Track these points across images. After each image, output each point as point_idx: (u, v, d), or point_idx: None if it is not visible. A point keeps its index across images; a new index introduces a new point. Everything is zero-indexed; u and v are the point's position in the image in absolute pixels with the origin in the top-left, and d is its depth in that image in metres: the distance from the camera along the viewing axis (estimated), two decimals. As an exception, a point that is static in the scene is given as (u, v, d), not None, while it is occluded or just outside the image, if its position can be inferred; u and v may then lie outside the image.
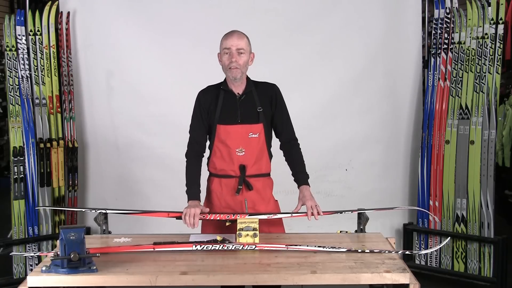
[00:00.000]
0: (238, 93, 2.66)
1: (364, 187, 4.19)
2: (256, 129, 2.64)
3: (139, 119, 4.13)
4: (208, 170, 2.75)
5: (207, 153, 2.75)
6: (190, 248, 2.36)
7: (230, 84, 2.66)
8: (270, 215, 2.59)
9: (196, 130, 2.70)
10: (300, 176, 2.70)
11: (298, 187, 2.69)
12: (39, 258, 3.80)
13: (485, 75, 3.69)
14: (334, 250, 2.36)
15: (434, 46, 3.89)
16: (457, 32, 3.78)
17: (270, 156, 2.74)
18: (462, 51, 3.76)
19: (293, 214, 2.63)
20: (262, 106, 2.66)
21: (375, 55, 4.11)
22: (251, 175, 2.66)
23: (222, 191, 2.69)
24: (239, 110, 2.64)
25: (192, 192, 2.61)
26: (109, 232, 2.65)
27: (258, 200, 2.68)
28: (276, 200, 2.79)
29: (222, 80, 2.70)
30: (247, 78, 2.69)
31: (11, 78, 3.79)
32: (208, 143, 2.74)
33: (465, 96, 3.76)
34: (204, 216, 2.55)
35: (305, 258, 2.27)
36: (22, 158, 3.80)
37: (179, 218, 2.55)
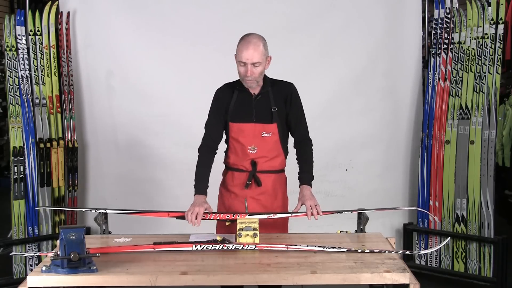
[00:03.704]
0: (254, 93, 2.67)
1: (364, 187, 4.18)
2: (269, 129, 2.66)
3: (140, 119, 4.12)
4: (223, 162, 2.79)
5: (223, 147, 2.78)
6: (190, 248, 2.36)
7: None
8: (270, 215, 2.59)
9: (211, 126, 2.73)
10: (304, 175, 2.71)
11: (300, 186, 2.70)
12: (39, 258, 3.80)
13: (485, 75, 3.69)
14: (334, 250, 2.36)
15: (434, 46, 3.89)
16: (457, 32, 3.78)
17: (286, 153, 2.76)
18: (462, 51, 3.76)
19: (293, 214, 2.63)
20: (277, 105, 2.67)
21: (375, 55, 4.11)
22: (262, 171, 2.68)
23: (233, 183, 2.73)
24: (254, 110, 2.65)
25: (200, 186, 2.62)
26: (109, 232, 2.66)
27: (265, 196, 2.70)
28: (287, 198, 2.80)
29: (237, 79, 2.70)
30: (265, 77, 2.69)
31: (11, 78, 3.79)
32: (224, 138, 2.78)
33: (465, 96, 3.76)
34: (205, 216, 2.55)
35: (305, 258, 2.27)
36: (22, 158, 3.79)
37: (179, 218, 2.55)
